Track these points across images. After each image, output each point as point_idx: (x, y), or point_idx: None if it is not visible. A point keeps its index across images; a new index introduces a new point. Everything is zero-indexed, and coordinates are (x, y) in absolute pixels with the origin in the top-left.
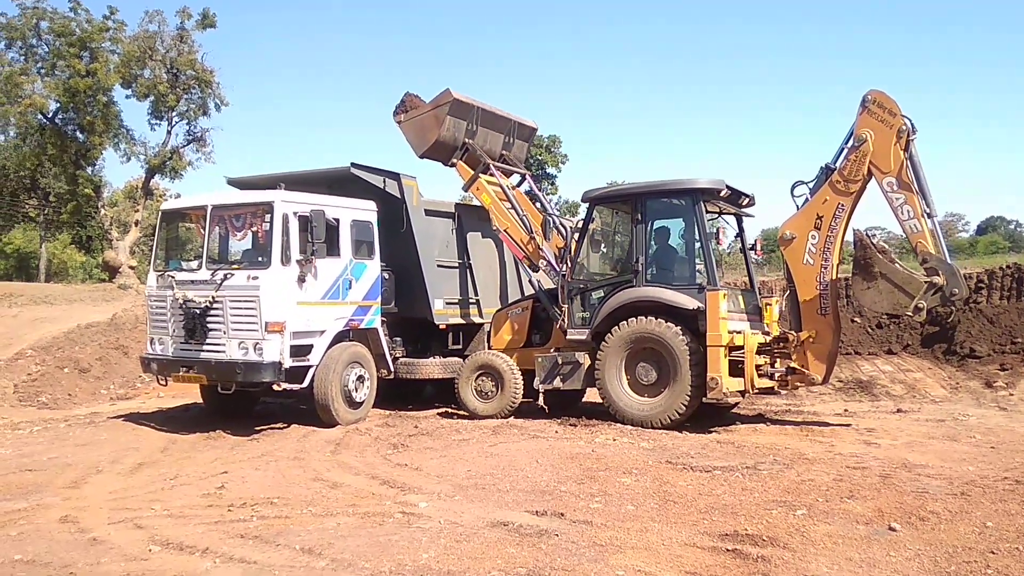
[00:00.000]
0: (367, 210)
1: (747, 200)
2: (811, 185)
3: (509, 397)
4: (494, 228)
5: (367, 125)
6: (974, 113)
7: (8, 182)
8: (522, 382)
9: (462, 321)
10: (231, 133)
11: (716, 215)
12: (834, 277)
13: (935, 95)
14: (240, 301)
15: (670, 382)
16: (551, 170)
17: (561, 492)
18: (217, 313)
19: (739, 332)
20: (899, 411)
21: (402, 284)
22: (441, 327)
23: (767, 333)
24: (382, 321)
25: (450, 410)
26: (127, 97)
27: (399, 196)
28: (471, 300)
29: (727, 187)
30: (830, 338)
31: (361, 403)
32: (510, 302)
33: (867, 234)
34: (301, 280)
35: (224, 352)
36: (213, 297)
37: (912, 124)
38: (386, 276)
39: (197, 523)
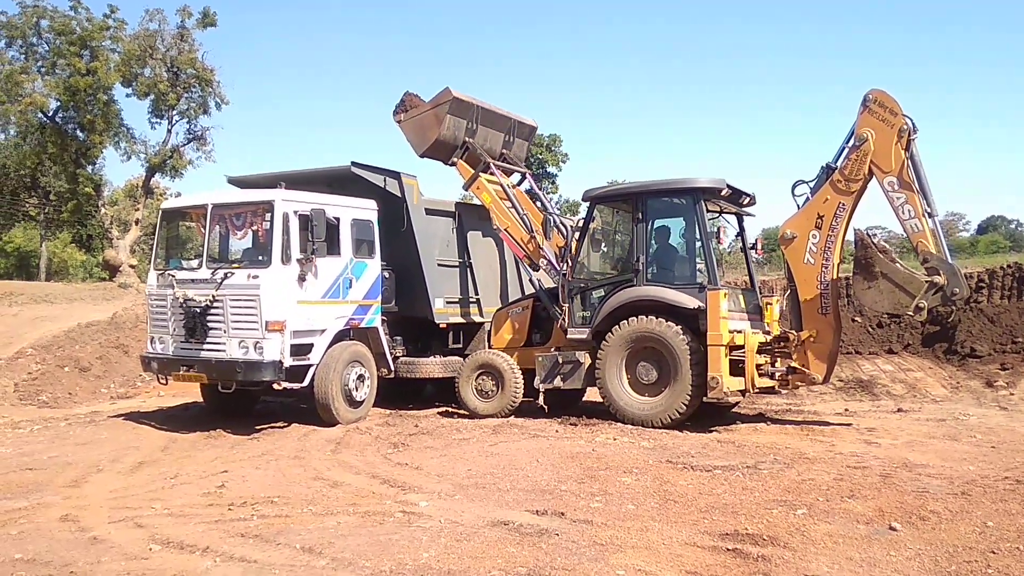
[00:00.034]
0: (367, 209)
1: (748, 199)
2: (812, 184)
3: (509, 396)
4: (494, 227)
5: (367, 125)
6: (974, 113)
7: (8, 181)
8: (522, 381)
9: (462, 320)
10: (231, 132)
11: (717, 214)
12: (835, 276)
13: (935, 95)
14: (240, 300)
15: (671, 381)
16: (552, 169)
17: (561, 491)
18: (217, 312)
19: (740, 331)
20: (900, 410)
21: (402, 283)
22: (441, 326)
23: (768, 332)
24: (382, 320)
25: (450, 409)
26: (127, 96)
27: (400, 195)
28: (471, 299)
29: (728, 186)
30: (831, 337)
31: (361, 402)
32: (510, 301)
33: (868, 233)
34: (301, 279)
35: (224, 351)
36: (213, 296)
37: (913, 123)
38: (386, 275)
39: (197, 522)
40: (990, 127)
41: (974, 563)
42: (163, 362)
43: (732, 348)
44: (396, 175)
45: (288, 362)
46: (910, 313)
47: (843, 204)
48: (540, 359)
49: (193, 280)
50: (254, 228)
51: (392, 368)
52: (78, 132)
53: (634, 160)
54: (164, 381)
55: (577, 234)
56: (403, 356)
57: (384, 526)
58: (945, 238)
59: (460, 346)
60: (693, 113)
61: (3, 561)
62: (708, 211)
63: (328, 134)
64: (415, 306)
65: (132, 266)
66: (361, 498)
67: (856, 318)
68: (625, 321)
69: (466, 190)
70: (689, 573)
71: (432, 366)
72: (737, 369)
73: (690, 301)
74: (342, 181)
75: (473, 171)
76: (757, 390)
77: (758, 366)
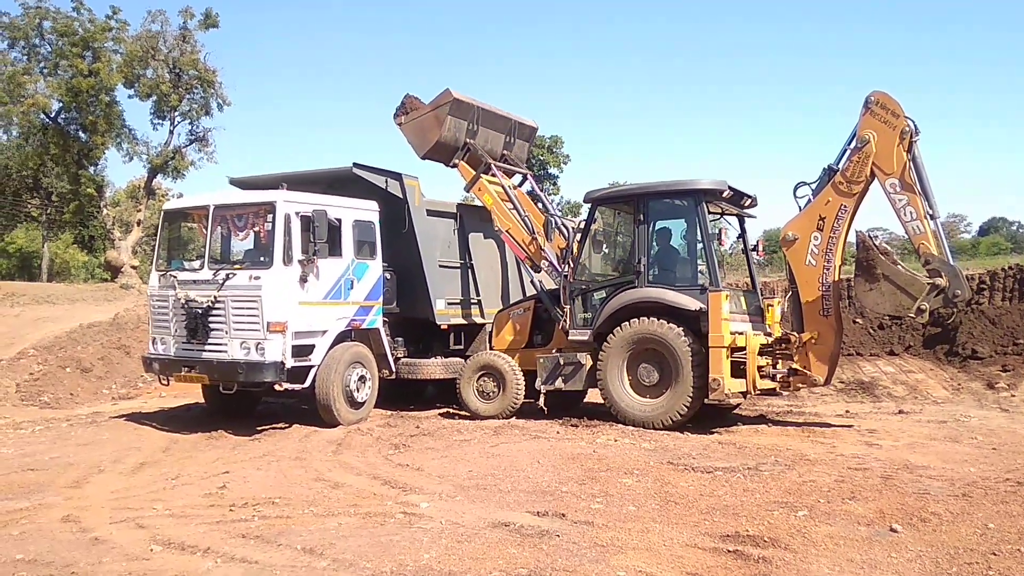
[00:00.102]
0: (369, 210)
1: (749, 201)
2: (814, 186)
3: (511, 398)
4: (496, 228)
5: (368, 125)
6: (974, 113)
7: (11, 182)
8: (524, 383)
9: (464, 321)
10: (233, 133)
11: (718, 216)
12: (836, 278)
13: (935, 95)
14: (242, 301)
15: (672, 383)
16: (553, 170)
17: (562, 493)
18: (219, 313)
19: (741, 333)
20: (901, 412)
21: (404, 284)
22: (443, 327)
23: (769, 334)
24: (384, 321)
25: (451, 410)
26: (129, 97)
27: (401, 196)
28: (473, 300)
29: (729, 188)
30: (832, 339)
31: (363, 403)
32: (512, 303)
33: (869, 235)
34: (303, 280)
35: (226, 352)
36: (215, 297)
37: (915, 125)
38: (388, 276)
39: (199, 523)
40: (991, 127)
41: (975, 565)
42: (165, 363)
43: (733, 350)
44: (398, 176)
45: (289, 363)
46: (912, 315)
47: (845, 206)
48: (541, 360)
49: (195, 281)
50: (256, 229)
51: (393, 369)
52: (80, 133)
53: (636, 161)
54: (166, 382)
55: (579, 235)
56: (404, 357)
57: (385, 527)
58: (947, 240)
59: (461, 347)
60: (695, 114)
61: (4, 561)
62: (710, 213)
63: (329, 135)
64: (416, 307)
65: (134, 267)
66: (362, 499)
67: (857, 320)
68: (627, 323)
69: (467, 191)
70: (690, 574)
71: (433, 367)
72: (738, 371)
73: (692, 303)
74: (344, 182)
75: (474, 172)
76: (758, 392)
77: (759, 368)
